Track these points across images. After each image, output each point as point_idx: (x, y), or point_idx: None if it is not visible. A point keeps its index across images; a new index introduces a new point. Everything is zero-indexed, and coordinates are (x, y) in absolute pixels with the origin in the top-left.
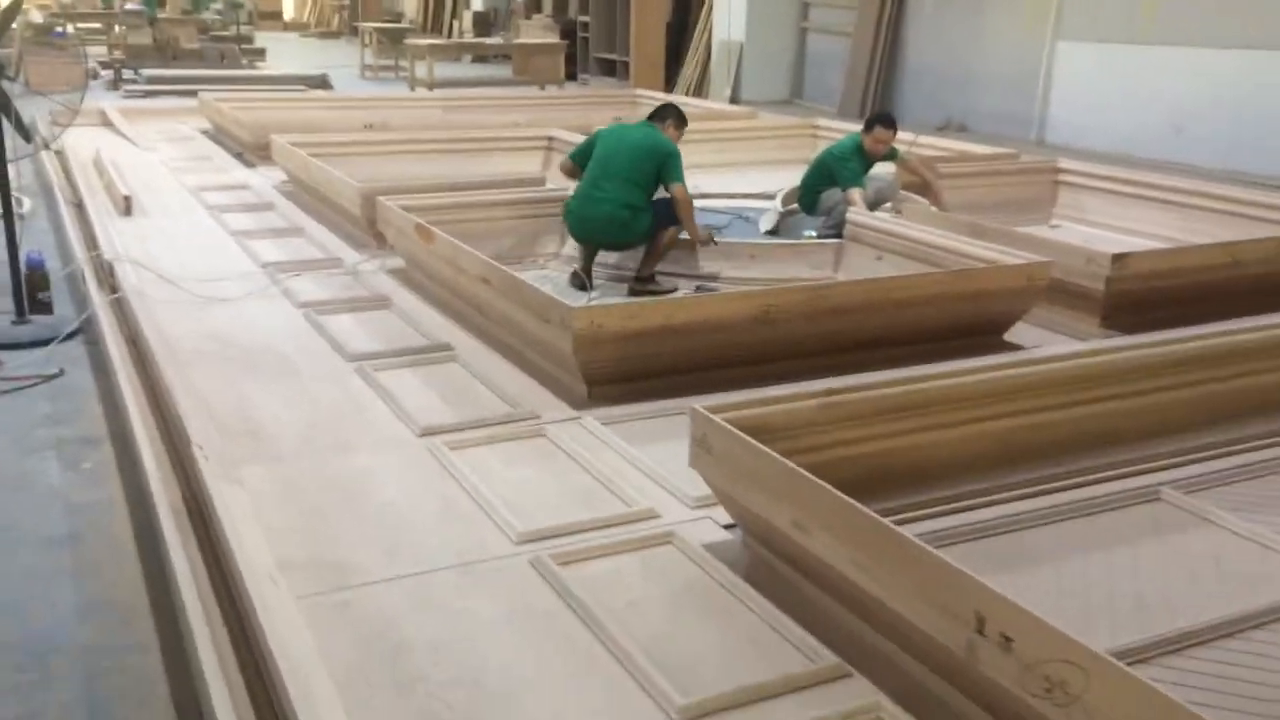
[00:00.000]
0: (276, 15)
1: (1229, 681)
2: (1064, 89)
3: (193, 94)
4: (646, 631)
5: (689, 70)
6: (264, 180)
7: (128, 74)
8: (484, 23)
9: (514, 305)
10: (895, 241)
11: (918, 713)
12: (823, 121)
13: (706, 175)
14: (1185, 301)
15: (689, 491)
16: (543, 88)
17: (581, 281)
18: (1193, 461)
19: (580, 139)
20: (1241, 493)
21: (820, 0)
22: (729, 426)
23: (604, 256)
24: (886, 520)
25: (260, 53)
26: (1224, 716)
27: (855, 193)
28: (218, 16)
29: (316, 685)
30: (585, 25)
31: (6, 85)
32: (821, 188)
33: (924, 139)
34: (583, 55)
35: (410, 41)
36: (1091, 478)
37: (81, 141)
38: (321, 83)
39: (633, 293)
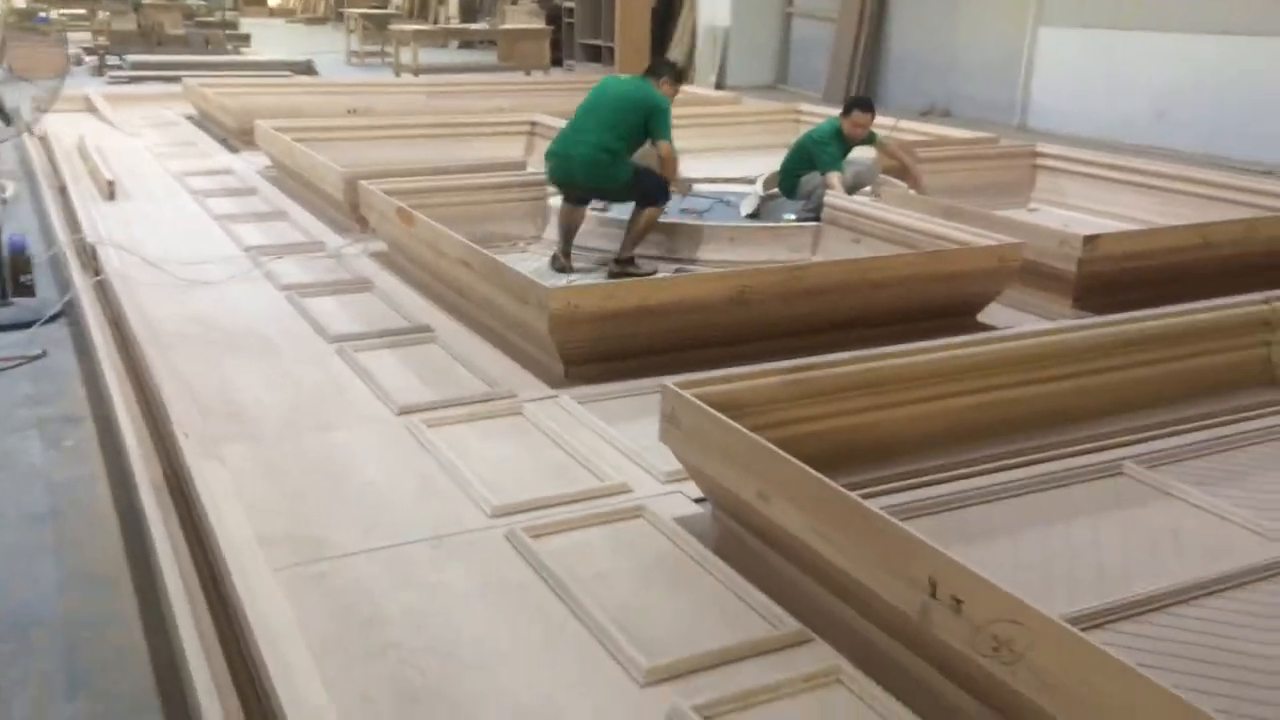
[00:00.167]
0: (262, 1)
1: (1182, 645)
2: (1046, 74)
3: (177, 80)
4: (616, 601)
5: (674, 56)
6: (248, 165)
7: (112, 60)
8: (470, 9)
9: (493, 287)
10: (873, 225)
11: (877, 676)
12: (805, 106)
13: (690, 160)
14: (1157, 283)
15: (661, 467)
16: (528, 73)
17: (561, 264)
18: (1156, 437)
19: (563, 124)
20: (1204, 467)
21: None
22: (696, 401)
23: (583, 239)
24: (848, 492)
25: (245, 38)
26: (1173, 679)
27: (834, 176)
28: (203, 2)
29: (293, 653)
30: (570, 11)
31: None
32: (801, 172)
33: (905, 124)
34: (568, 41)
35: (395, 27)
36: (1055, 453)
37: (66, 127)
38: (307, 69)
39: (613, 275)
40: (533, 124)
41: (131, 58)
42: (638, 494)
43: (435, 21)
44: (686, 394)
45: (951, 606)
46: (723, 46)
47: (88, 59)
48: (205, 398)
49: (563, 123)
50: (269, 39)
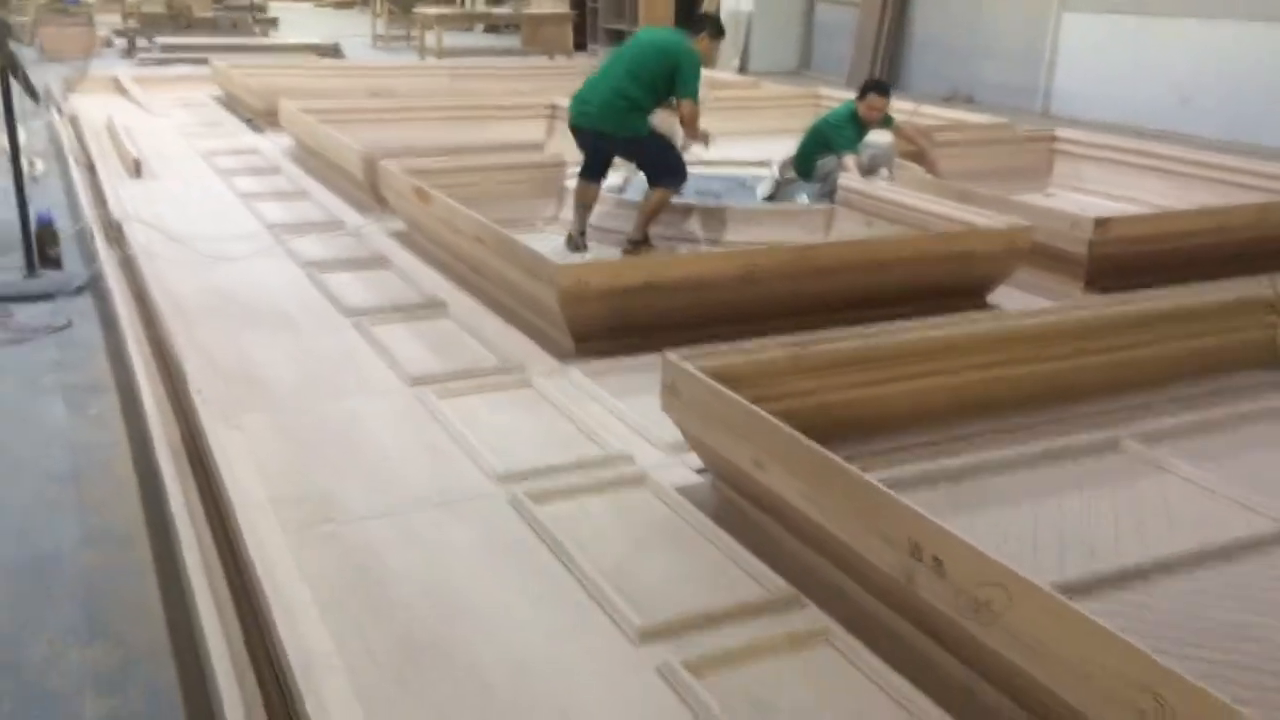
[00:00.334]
0: None
1: (1165, 614)
2: (1070, 61)
3: (206, 62)
4: (613, 563)
5: None
6: (273, 145)
7: (142, 42)
8: None
9: (506, 263)
10: (886, 207)
11: (865, 638)
12: (825, 90)
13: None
14: (1169, 266)
15: (665, 438)
16: (551, 57)
17: (576, 244)
18: (1156, 415)
19: None
20: (1202, 445)
21: None
22: (695, 372)
23: (599, 220)
24: (839, 459)
25: (273, 21)
26: (1151, 642)
27: (849, 158)
28: None
29: (300, 606)
30: None
31: (15, 48)
32: (817, 154)
33: (926, 109)
34: (591, 25)
35: (421, 11)
36: (1054, 430)
37: (95, 107)
38: (333, 51)
39: (626, 254)
40: (554, 107)
41: (161, 40)
42: (641, 464)
43: (459, 5)
44: (686, 364)
45: (934, 568)
46: (746, 31)
47: (118, 41)
48: (225, 367)
49: None
50: (296, 22)
